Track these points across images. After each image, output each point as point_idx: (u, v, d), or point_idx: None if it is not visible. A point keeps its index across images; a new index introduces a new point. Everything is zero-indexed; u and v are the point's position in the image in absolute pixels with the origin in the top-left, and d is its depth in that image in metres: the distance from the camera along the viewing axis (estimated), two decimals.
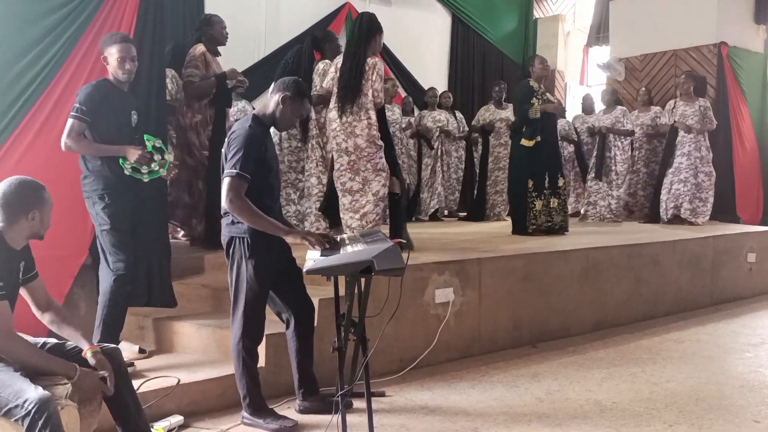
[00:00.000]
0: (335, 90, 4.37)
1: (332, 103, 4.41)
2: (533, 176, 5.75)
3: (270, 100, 3.09)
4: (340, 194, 4.41)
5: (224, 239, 3.04)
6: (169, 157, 3.47)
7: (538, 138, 5.73)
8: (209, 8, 6.26)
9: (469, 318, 4.22)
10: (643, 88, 8.07)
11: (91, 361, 2.41)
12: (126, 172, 3.29)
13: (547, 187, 5.78)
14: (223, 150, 3.04)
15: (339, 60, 4.47)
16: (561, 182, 5.89)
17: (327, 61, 5.02)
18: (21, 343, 2.35)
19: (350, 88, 4.26)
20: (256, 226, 2.91)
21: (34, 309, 2.59)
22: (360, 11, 8.51)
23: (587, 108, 8.49)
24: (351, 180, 4.35)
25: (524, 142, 5.77)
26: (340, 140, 4.33)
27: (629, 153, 7.65)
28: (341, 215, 4.46)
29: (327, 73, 4.71)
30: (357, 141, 4.28)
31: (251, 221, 2.90)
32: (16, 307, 2.53)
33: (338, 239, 3.03)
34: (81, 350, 2.49)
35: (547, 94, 5.91)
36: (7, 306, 2.34)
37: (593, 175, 7.56)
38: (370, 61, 4.29)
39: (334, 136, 4.38)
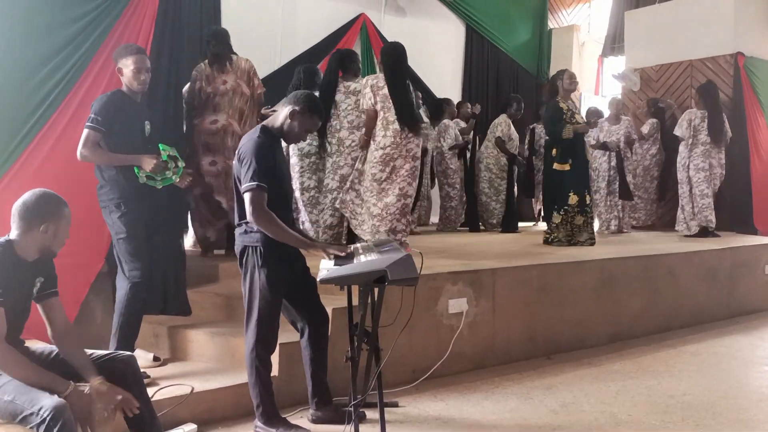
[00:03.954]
0: (399, 104, 4.64)
1: (392, 116, 4.64)
2: (578, 192, 5.76)
3: (280, 112, 3.10)
4: (393, 198, 4.64)
5: (237, 248, 3.06)
6: (182, 164, 3.50)
7: (570, 162, 5.76)
8: (226, 19, 6.36)
9: (483, 329, 4.20)
10: (645, 101, 8.10)
11: (93, 392, 2.33)
12: (140, 181, 3.32)
13: (574, 204, 5.77)
14: (233, 162, 3.06)
15: (375, 81, 4.73)
16: (588, 200, 5.86)
17: (359, 81, 5.13)
18: (10, 354, 2.30)
19: (411, 109, 4.67)
20: (280, 239, 2.92)
21: (49, 332, 2.53)
22: (375, 22, 8.64)
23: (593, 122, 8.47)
24: (409, 185, 4.68)
25: (558, 166, 5.79)
26: (412, 146, 4.64)
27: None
28: (387, 220, 4.65)
29: (353, 93, 5.06)
30: (422, 145, 4.77)
31: (276, 234, 2.91)
32: (36, 312, 2.55)
33: (352, 249, 3.03)
34: (97, 358, 2.50)
35: (576, 115, 5.85)
36: (3, 315, 2.28)
37: (615, 188, 7.41)
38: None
39: (405, 144, 4.61)
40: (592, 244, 5.83)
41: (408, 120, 4.62)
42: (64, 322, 2.56)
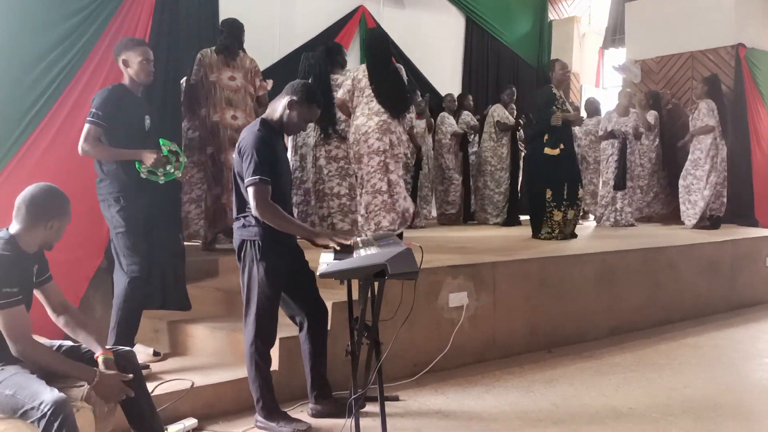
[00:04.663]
0: (370, 94, 4.58)
1: (363, 109, 4.59)
2: (553, 186, 5.67)
3: (278, 104, 3.09)
4: (369, 196, 4.55)
5: (236, 242, 3.05)
6: (184, 159, 3.49)
7: (561, 146, 5.67)
8: (224, 13, 6.31)
9: (484, 322, 4.19)
10: (645, 93, 8.11)
11: (101, 366, 2.41)
12: (142, 176, 3.31)
13: (566, 197, 5.69)
14: (233, 156, 3.04)
15: (356, 73, 4.68)
16: (580, 193, 5.82)
17: (348, 73, 5.11)
18: (42, 349, 2.38)
19: (397, 92, 4.58)
20: (287, 230, 2.94)
21: (49, 312, 2.60)
22: (374, 14, 8.60)
23: (591, 112, 8.48)
24: (380, 180, 4.53)
25: (548, 151, 5.69)
26: (372, 140, 4.50)
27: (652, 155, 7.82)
28: (370, 217, 4.60)
29: (339, 86, 4.93)
30: (391, 138, 4.53)
31: (282, 226, 2.92)
32: (32, 310, 2.55)
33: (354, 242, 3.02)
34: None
35: (567, 103, 5.82)
36: (25, 311, 2.36)
37: (615, 183, 7.42)
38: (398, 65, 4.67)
39: (365, 139, 4.52)
40: (575, 236, 5.79)
41: (388, 103, 4.54)
42: (62, 300, 2.61)
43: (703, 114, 7.03)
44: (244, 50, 4.81)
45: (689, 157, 7.21)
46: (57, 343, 2.56)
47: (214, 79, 4.63)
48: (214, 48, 4.72)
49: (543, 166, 5.76)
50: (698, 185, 7.09)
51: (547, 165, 5.70)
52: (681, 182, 7.25)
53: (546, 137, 5.75)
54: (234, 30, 4.76)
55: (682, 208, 7.25)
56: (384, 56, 4.68)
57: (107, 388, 2.36)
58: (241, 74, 4.70)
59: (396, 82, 4.62)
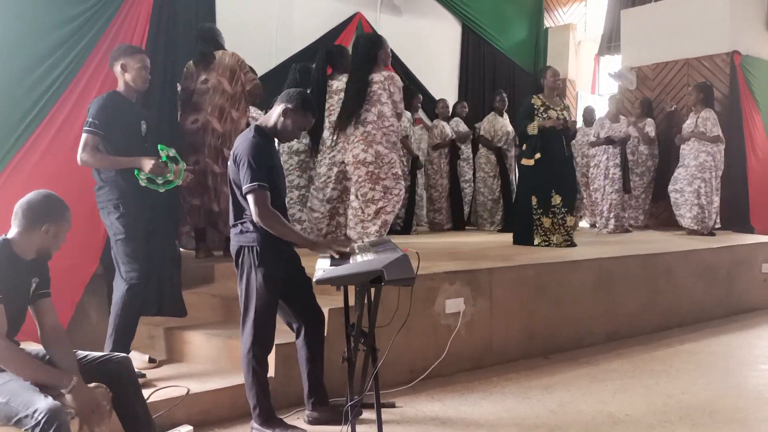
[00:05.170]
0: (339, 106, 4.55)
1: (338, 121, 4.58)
2: (537, 193, 5.64)
3: (273, 111, 3.09)
4: (363, 205, 4.50)
5: (233, 249, 3.05)
6: (183, 165, 3.48)
7: (537, 155, 5.66)
8: (221, 18, 6.33)
9: (480, 328, 4.19)
10: (639, 101, 8.15)
11: (68, 398, 2.30)
12: (141, 183, 3.30)
13: (558, 204, 5.61)
14: (229, 164, 3.04)
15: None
16: (556, 200, 5.70)
17: (342, 78, 5.07)
18: (10, 350, 2.31)
19: (357, 102, 4.46)
20: (287, 237, 2.95)
21: (39, 333, 2.51)
22: (371, 21, 8.62)
23: (589, 121, 8.52)
24: (372, 190, 4.47)
25: (525, 161, 5.76)
26: (357, 150, 4.45)
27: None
28: (358, 226, 4.55)
29: (336, 92, 4.88)
30: (378, 148, 4.44)
31: (283, 233, 2.93)
32: (30, 313, 2.53)
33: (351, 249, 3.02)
34: (92, 360, 2.50)
35: (551, 110, 5.70)
36: (2, 312, 2.29)
37: (618, 187, 7.43)
38: (379, 75, 4.48)
39: (352, 148, 4.48)
40: (569, 245, 5.65)
41: (340, 118, 4.50)
42: (54, 324, 2.54)
43: (711, 123, 7.00)
44: (224, 48, 4.71)
45: (692, 162, 7.11)
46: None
47: (193, 88, 4.60)
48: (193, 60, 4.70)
49: (524, 174, 5.85)
50: (707, 188, 7.09)
51: (528, 173, 5.75)
52: (688, 188, 7.17)
53: (524, 147, 5.82)
54: (206, 34, 4.71)
55: (691, 213, 7.18)
56: (360, 65, 4.54)
57: (84, 396, 2.30)
58: (215, 74, 4.58)
59: (353, 97, 4.48)
